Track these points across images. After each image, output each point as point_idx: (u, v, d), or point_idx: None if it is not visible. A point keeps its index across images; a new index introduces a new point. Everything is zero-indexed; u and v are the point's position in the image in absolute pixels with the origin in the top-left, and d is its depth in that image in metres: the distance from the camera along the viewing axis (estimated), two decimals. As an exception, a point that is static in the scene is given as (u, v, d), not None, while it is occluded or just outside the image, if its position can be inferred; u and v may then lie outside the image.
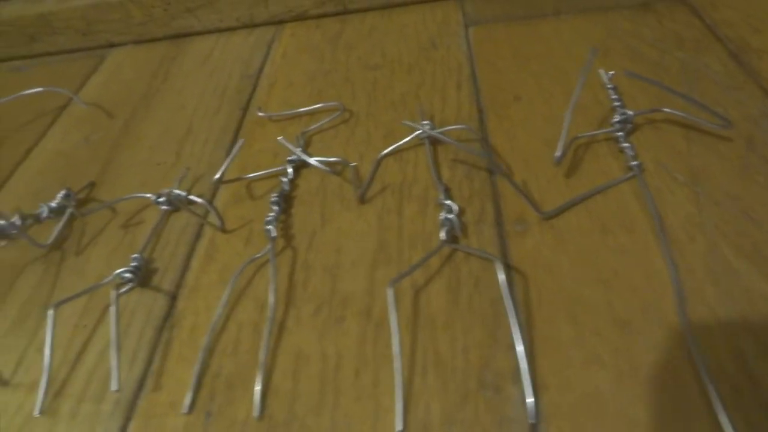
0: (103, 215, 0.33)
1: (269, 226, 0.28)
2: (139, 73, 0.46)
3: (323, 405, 0.22)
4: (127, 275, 0.27)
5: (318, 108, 0.37)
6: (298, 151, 0.30)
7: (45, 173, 0.38)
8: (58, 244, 0.31)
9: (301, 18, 0.48)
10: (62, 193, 0.33)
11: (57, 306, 0.26)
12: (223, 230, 0.30)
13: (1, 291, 0.29)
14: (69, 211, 0.32)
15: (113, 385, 0.23)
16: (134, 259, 0.28)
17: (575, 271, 0.24)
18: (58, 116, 0.43)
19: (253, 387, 0.23)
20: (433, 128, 0.31)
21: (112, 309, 0.26)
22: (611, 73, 0.33)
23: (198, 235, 0.30)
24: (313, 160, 0.29)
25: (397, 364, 0.22)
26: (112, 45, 0.51)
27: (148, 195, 0.32)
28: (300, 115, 0.37)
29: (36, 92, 0.43)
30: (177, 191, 0.31)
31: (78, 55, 0.51)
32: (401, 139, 0.32)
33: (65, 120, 0.43)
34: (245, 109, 0.40)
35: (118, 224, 0.32)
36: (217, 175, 0.30)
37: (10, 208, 0.34)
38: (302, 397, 0.22)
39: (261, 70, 0.44)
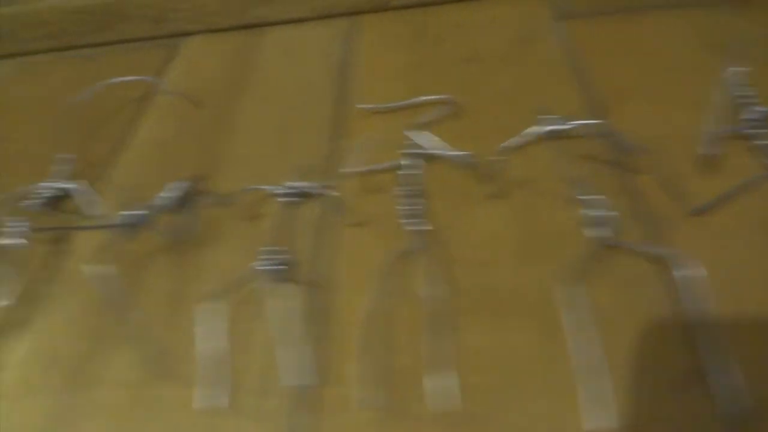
0: (221, 208, 0.32)
1: (414, 219, 0.28)
2: (219, 64, 0.46)
3: (503, 401, 0.22)
4: (272, 268, 0.27)
5: (425, 101, 0.36)
6: (433, 143, 0.30)
7: (143, 164, 0.37)
8: (184, 236, 0.31)
9: (380, 9, 0.48)
10: (178, 184, 0.33)
11: (206, 300, 0.25)
12: (354, 223, 0.30)
13: (135, 283, 0.29)
14: (194, 202, 0.31)
15: (285, 380, 0.23)
16: (271, 251, 0.28)
17: (737, 268, 0.25)
18: (143, 106, 0.42)
19: (422, 382, 0.23)
20: (563, 123, 0.31)
21: (270, 303, 0.26)
22: (743, 69, 0.33)
23: (328, 228, 0.30)
24: (450, 154, 0.29)
25: (582, 362, 0.22)
26: (184, 34, 0.50)
27: (271, 187, 0.32)
28: (401, 109, 0.37)
29: (122, 81, 0.43)
30: (302, 183, 0.31)
31: (149, 44, 0.50)
32: (513, 134, 0.32)
33: (153, 110, 0.42)
34: (338, 101, 0.39)
35: (238, 217, 0.32)
36: (348, 168, 0.29)
37: (112, 199, 0.34)
38: (478, 393, 0.22)
39: (346, 62, 0.43)
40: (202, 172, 0.35)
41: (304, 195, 0.31)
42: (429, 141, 0.32)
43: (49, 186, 0.34)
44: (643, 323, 0.23)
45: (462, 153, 0.30)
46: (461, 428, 0.22)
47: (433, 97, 0.36)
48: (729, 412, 0.20)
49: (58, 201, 0.34)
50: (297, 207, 0.32)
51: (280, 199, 0.32)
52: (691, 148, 0.30)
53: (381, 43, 0.45)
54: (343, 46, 0.45)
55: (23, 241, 0.29)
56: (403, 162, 0.32)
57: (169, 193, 0.32)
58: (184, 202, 0.32)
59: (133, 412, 0.24)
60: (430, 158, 0.32)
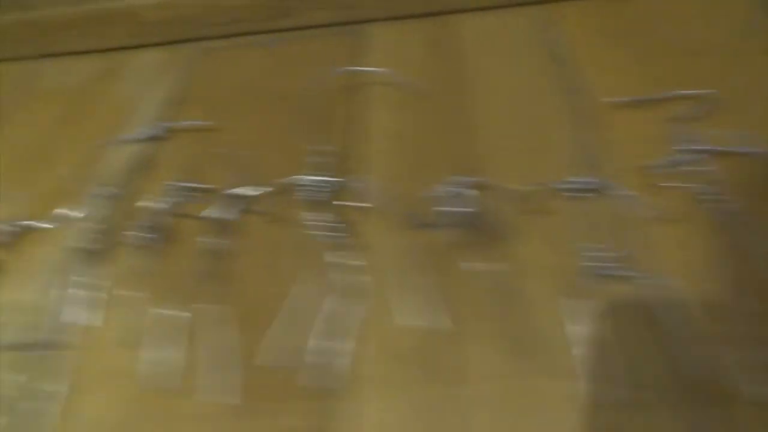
0: (508, 203, 0.32)
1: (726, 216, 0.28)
2: (421, 53, 0.45)
3: None
4: (607, 265, 0.28)
5: (684, 94, 0.36)
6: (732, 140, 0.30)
7: (393, 156, 0.37)
8: (481, 230, 0.31)
9: (572, -2, 0.48)
10: (458, 177, 0.33)
11: (566, 296, 0.26)
12: (658, 218, 0.30)
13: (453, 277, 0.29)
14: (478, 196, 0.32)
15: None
16: (595, 248, 0.28)
17: None
18: (357, 96, 0.42)
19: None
20: None
21: (653, 300, 0.26)
22: None
23: (630, 223, 0.30)
24: (746, 150, 0.30)
25: None
26: (367, 21, 0.50)
27: (557, 182, 0.32)
28: (654, 102, 0.37)
29: (356, 70, 0.43)
30: (588, 179, 0.32)
31: (330, 31, 0.50)
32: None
33: (373, 101, 0.42)
34: (570, 93, 0.39)
35: (528, 211, 0.32)
36: (659, 167, 0.30)
37: (382, 191, 0.34)
38: None
39: (559, 53, 0.43)
40: (466, 166, 0.35)
41: (592, 190, 0.32)
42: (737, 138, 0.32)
43: (321, 179, 0.34)
44: None
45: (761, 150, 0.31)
46: None
47: (693, 91, 0.36)
48: None
49: (323, 192, 0.35)
50: (585, 202, 0.32)
51: (567, 194, 0.32)
52: None
53: (586, 32, 0.44)
54: (547, 35, 0.45)
55: (343, 235, 0.29)
56: (692, 157, 0.32)
57: (451, 187, 0.32)
58: (468, 196, 0.32)
59: (513, 406, 0.25)
60: (715, 153, 0.32)
